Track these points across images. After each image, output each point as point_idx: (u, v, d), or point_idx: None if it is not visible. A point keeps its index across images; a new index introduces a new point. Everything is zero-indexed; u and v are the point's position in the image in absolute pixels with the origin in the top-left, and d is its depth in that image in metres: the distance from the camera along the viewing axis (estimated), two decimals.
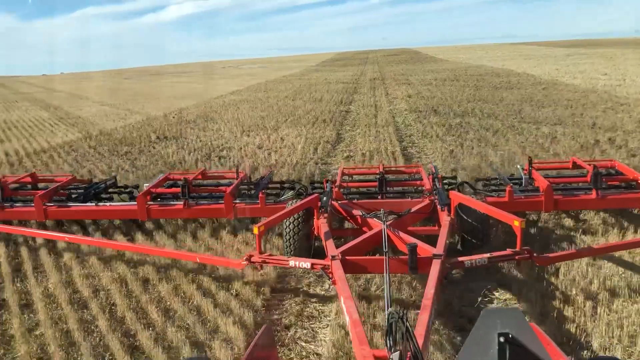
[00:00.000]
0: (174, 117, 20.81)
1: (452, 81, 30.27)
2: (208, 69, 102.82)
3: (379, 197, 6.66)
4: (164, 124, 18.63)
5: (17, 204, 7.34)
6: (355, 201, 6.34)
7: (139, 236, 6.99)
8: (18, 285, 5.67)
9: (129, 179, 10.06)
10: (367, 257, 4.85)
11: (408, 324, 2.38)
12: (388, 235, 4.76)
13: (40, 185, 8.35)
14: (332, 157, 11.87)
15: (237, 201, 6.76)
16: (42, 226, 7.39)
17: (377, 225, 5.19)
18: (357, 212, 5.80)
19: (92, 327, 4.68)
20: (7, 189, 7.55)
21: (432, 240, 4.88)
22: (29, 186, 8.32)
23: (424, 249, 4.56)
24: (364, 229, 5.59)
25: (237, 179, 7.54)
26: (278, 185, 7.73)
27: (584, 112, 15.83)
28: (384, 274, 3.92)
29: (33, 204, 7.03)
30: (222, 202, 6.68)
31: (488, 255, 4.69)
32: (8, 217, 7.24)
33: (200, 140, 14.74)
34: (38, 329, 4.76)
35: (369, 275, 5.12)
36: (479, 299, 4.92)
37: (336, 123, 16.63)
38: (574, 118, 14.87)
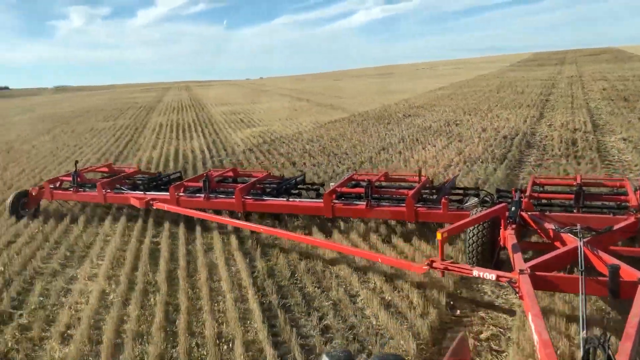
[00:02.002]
0: (403, 105, 27.11)
1: None
2: (403, 70, 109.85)
3: (574, 210, 6.13)
4: (401, 108, 25.02)
5: (221, 195, 7.92)
6: (547, 213, 5.84)
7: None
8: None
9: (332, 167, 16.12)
10: (560, 274, 4.54)
11: (610, 352, 2.22)
12: (585, 253, 4.39)
13: (239, 179, 8.98)
14: (537, 126, 16.75)
15: (419, 205, 6.70)
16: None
17: (571, 241, 4.81)
18: (548, 226, 5.35)
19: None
20: (213, 181, 8.14)
21: (637, 262, 4.48)
22: (230, 180, 8.93)
23: (628, 272, 4.09)
24: (556, 243, 5.18)
25: (419, 182, 7.50)
26: (461, 192, 7.50)
27: None
28: (579, 294, 3.71)
29: (234, 196, 7.52)
30: (404, 205, 6.61)
31: None
32: (213, 206, 7.81)
33: (434, 117, 20.64)
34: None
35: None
36: None
37: (538, 107, 21.25)
38: None
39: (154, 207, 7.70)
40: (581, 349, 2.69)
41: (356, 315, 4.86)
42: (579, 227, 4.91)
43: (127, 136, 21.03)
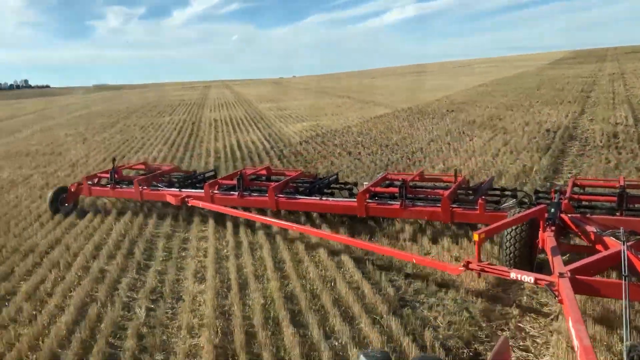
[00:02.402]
0: (445, 101, 27.84)
1: None
2: (438, 68, 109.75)
3: (617, 213, 5.99)
4: (442, 104, 25.79)
5: (254, 193, 7.99)
6: (588, 216, 5.71)
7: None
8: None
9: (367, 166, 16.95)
10: (602, 279, 4.42)
11: None
12: (628, 258, 4.28)
13: (273, 178, 9.00)
14: (579, 120, 17.35)
15: (455, 205, 6.59)
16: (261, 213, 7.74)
17: (614, 244, 4.74)
18: (590, 228, 5.29)
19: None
20: (247, 179, 8.18)
21: None
22: (264, 178, 9.01)
23: None
24: (597, 247, 5.11)
25: (455, 182, 7.37)
26: (498, 192, 7.31)
27: None
28: (623, 300, 3.65)
29: (267, 194, 7.60)
30: (439, 205, 6.53)
31: None
32: (246, 204, 7.90)
33: (477, 112, 21.37)
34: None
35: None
36: None
37: (579, 103, 21.75)
38: None
39: (189, 204, 7.89)
40: (625, 357, 2.66)
41: (431, 268, 5.87)
42: (622, 230, 4.74)
43: (187, 129, 22.50)
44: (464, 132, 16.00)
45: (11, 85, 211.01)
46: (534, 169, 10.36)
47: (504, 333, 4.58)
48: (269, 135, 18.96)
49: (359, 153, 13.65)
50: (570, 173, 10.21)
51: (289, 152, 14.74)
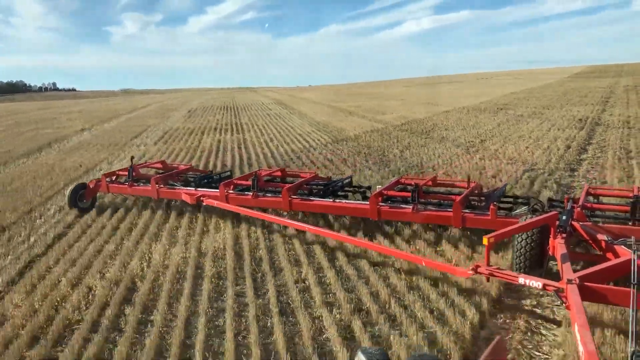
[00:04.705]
0: (489, 104, 33.56)
1: None
2: (463, 79, 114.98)
3: (630, 223, 5.83)
4: (488, 106, 31.56)
5: (268, 194, 7.86)
6: (599, 224, 5.56)
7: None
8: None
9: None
10: (610, 286, 4.23)
11: None
12: (638, 267, 4.17)
13: (288, 179, 8.86)
14: (601, 115, 22.93)
15: (467, 211, 6.43)
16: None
17: (624, 253, 4.64)
18: (601, 237, 5.14)
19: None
20: (262, 180, 8.07)
21: None
22: (278, 179, 8.82)
23: None
24: (608, 255, 5.01)
25: (468, 188, 7.23)
26: (511, 199, 7.20)
27: None
28: (630, 308, 3.62)
29: (281, 195, 7.51)
30: (451, 210, 6.39)
31: None
32: (260, 204, 7.77)
33: (521, 110, 27.09)
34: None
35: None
36: None
37: (600, 104, 27.37)
38: None
39: (204, 204, 7.85)
40: None
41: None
42: (633, 239, 4.72)
43: (302, 118, 28.67)
44: (518, 120, 21.84)
45: (40, 87, 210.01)
46: (576, 137, 16.17)
47: None
48: (371, 120, 25.00)
49: (453, 130, 19.58)
50: (599, 139, 15.96)
51: (399, 130, 20.69)
